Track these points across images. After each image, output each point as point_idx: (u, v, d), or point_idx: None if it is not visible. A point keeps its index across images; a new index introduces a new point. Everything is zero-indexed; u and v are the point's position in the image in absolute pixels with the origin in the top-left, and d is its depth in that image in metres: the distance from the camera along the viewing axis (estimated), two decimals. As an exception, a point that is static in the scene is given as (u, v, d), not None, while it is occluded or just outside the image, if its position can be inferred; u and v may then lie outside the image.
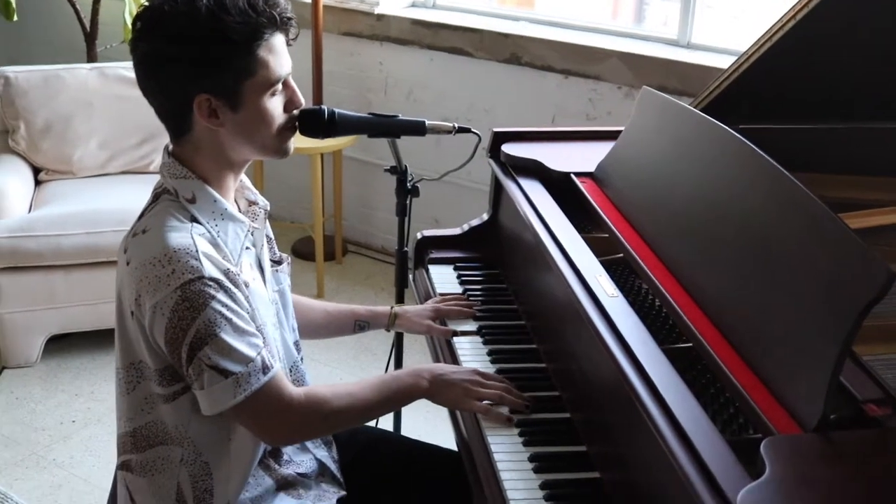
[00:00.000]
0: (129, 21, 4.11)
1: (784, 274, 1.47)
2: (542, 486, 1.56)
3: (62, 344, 3.56)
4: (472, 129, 2.01)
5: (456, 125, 1.95)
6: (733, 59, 3.35)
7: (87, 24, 4.30)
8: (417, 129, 1.93)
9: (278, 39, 1.57)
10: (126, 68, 3.85)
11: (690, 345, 1.58)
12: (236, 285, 1.55)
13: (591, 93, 3.68)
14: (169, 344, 1.51)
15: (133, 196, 3.59)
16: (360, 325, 2.04)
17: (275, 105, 1.60)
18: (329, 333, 2.06)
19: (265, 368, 1.54)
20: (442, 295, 2.17)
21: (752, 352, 1.45)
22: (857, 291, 1.30)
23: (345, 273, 4.30)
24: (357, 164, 4.35)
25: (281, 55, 1.58)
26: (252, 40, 1.52)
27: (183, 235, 1.52)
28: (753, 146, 1.66)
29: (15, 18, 4.16)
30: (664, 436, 1.32)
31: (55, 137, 3.75)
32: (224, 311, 1.51)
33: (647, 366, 1.45)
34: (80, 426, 3.14)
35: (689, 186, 1.80)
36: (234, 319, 1.52)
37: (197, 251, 1.51)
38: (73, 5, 4.25)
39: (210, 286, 1.50)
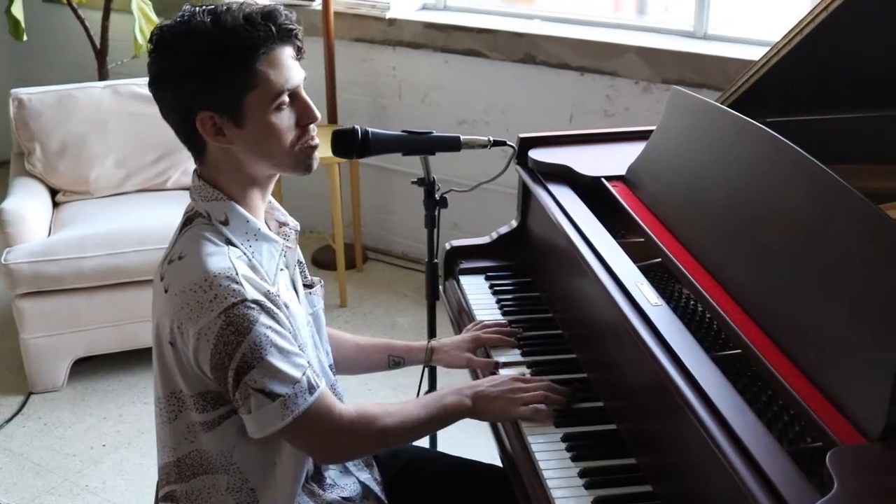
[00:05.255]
0: (139, 36, 4.10)
1: (835, 276, 1.43)
2: (596, 503, 1.53)
3: (88, 366, 3.54)
4: (508, 142, 1.98)
5: (491, 139, 1.91)
6: (751, 48, 3.37)
7: (98, 42, 4.28)
8: (452, 144, 1.89)
9: (282, 52, 1.54)
10: (139, 85, 3.83)
11: (739, 351, 1.55)
12: (277, 306, 1.53)
13: (608, 89, 3.64)
14: (215, 369, 1.50)
15: (152, 215, 3.59)
16: (394, 360, 1.98)
17: (282, 119, 1.55)
18: (361, 369, 2.00)
19: (311, 388, 1.53)
20: (481, 322, 2.06)
21: (805, 358, 1.41)
22: (917, 294, 1.27)
23: (366, 281, 4.27)
24: (373, 170, 4.32)
25: (285, 68, 1.54)
26: (249, 55, 1.50)
27: (221, 259, 1.51)
28: (793, 145, 1.62)
29: (25, 39, 4.15)
30: (724, 452, 1.28)
31: (71, 158, 3.73)
32: (269, 333, 1.49)
33: (700, 379, 1.41)
34: (111, 450, 3.12)
35: (727, 187, 1.76)
36: (279, 341, 1.50)
37: (237, 274, 1.49)
38: (83, 23, 4.23)
39: (253, 309, 1.48)
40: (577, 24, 3.83)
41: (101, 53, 4.31)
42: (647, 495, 1.55)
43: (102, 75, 4.30)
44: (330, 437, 1.59)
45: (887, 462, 1.22)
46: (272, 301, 1.53)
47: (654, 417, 1.59)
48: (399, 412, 1.66)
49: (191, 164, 3.99)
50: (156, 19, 4.15)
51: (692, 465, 1.43)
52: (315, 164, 1.63)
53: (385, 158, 4.20)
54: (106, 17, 4.26)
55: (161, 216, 3.57)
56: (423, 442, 2.33)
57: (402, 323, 3.90)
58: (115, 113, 3.78)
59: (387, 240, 4.49)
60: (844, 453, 1.22)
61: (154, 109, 4.21)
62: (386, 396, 3.30)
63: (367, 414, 1.62)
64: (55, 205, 3.76)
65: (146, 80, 4.23)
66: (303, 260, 1.79)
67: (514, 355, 1.96)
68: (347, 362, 1.95)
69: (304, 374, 1.53)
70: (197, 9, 1.51)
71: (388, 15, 4.07)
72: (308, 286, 1.78)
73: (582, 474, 1.59)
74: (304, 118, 1.58)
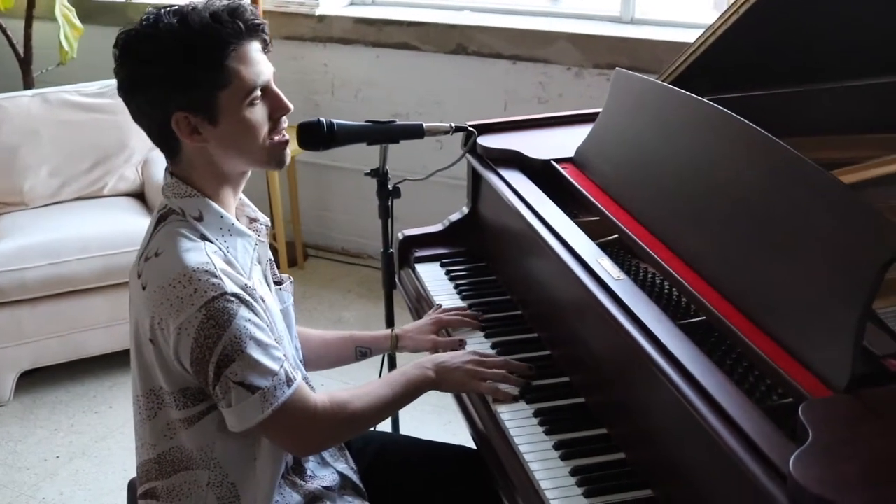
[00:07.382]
0: (64, 43, 4.03)
1: (790, 241, 1.49)
2: (573, 473, 1.57)
3: (34, 379, 3.48)
4: (469, 127, 2.01)
5: (453, 125, 1.95)
6: (678, 30, 3.46)
7: (21, 50, 4.20)
8: (416, 132, 1.92)
9: (250, 47, 1.56)
10: (69, 92, 3.78)
11: (703, 318, 1.60)
12: (254, 299, 1.55)
13: (541, 76, 3.69)
14: (195, 363, 1.51)
15: (92, 222, 3.55)
16: (361, 351, 2.00)
17: (256, 114, 1.58)
18: (329, 363, 2.01)
19: (289, 381, 1.55)
20: (441, 307, 2.10)
21: (768, 320, 1.47)
22: (872, 252, 1.33)
23: (309, 278, 4.27)
24: (310, 167, 4.32)
25: (255, 63, 1.56)
26: (219, 52, 1.51)
27: (198, 254, 1.52)
28: (741, 118, 1.69)
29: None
30: (701, 413, 1.33)
31: (3, 169, 3.67)
32: (248, 325, 1.51)
33: (671, 347, 1.46)
34: (65, 461, 3.08)
35: (677, 162, 1.82)
36: (258, 333, 1.52)
37: (215, 268, 1.51)
38: (5, 31, 4.15)
39: (233, 302, 1.50)
40: (507, 14, 3.88)
41: (25, 62, 4.23)
42: (621, 462, 1.61)
43: (28, 84, 4.23)
44: (306, 428, 1.61)
45: (856, 411, 1.28)
46: (249, 294, 1.54)
47: (622, 387, 1.64)
48: (366, 394, 1.69)
49: (127, 170, 3.96)
50: (80, 25, 4.09)
51: (665, 431, 1.49)
52: (287, 160, 1.66)
53: (320, 155, 4.20)
54: (29, 25, 4.18)
55: (101, 223, 3.54)
56: (386, 427, 2.36)
57: (347, 317, 3.91)
58: (46, 121, 3.73)
59: (325, 236, 4.49)
60: (815, 405, 1.28)
61: (86, 116, 4.13)
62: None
63: (338, 401, 1.64)
64: (-11, 217, 3.69)
65: (76, 86, 4.15)
66: (272, 257, 1.80)
67: (478, 337, 2.00)
68: (315, 357, 1.97)
69: (281, 366, 1.54)
70: (162, 11, 1.52)
71: (318, 12, 4.07)
72: (278, 283, 1.80)
73: (557, 447, 1.64)
74: (276, 111, 1.61)
